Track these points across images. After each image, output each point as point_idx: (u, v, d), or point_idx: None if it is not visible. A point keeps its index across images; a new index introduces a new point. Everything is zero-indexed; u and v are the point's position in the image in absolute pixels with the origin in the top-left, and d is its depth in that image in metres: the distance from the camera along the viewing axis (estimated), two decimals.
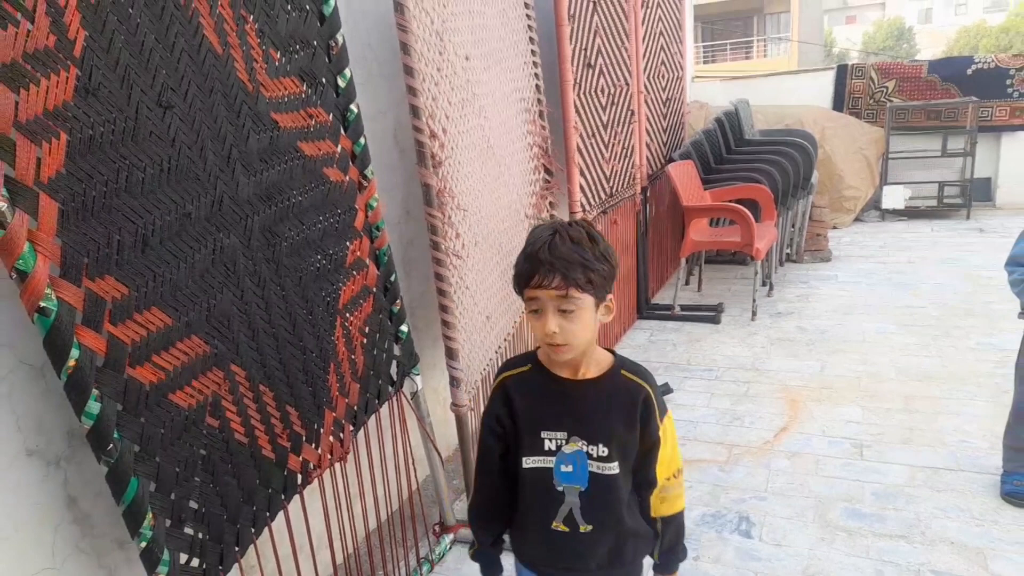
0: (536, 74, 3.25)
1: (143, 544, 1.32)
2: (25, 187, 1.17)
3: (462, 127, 2.53)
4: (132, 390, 1.33)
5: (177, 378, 1.43)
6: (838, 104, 7.72)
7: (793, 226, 5.66)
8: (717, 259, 5.74)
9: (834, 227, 6.84)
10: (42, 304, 1.18)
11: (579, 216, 3.43)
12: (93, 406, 1.25)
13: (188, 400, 1.45)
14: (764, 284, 4.92)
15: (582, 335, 1.21)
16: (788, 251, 5.67)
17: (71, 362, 1.22)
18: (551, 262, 1.16)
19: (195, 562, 1.44)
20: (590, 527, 1.29)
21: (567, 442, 1.27)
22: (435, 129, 2.31)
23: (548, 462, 1.28)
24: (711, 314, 4.48)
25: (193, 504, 1.45)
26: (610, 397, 1.27)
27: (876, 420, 3.11)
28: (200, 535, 1.45)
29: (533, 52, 3.22)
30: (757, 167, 5.01)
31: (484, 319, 2.66)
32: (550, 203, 3.33)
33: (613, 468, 1.26)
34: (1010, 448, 2.49)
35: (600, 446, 1.26)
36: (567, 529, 1.29)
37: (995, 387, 3.30)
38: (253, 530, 1.59)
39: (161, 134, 1.42)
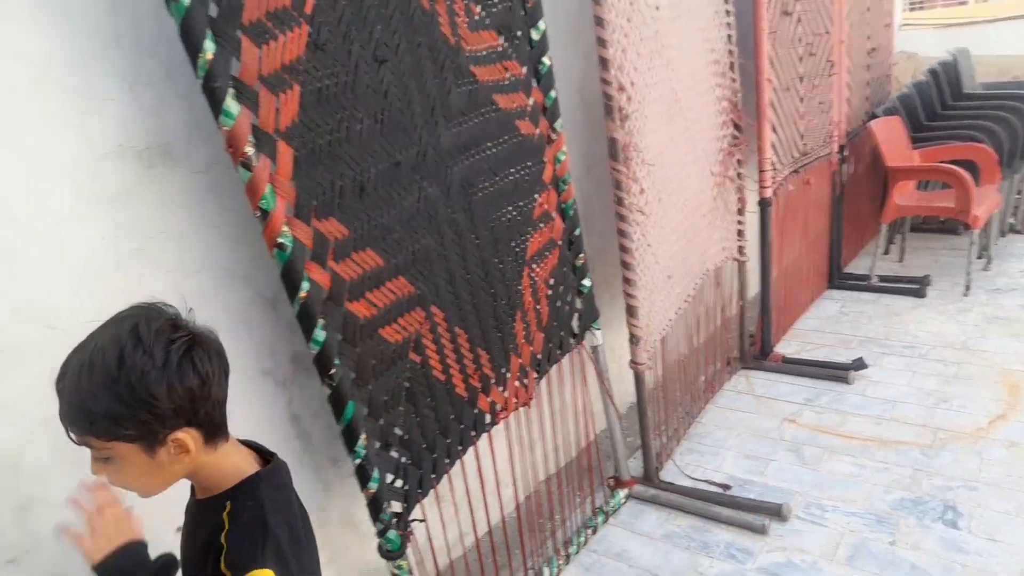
0: (728, 23, 3.09)
1: (357, 461, 1.46)
2: (267, 134, 1.31)
3: (649, 80, 2.47)
4: (350, 322, 1.46)
5: (386, 314, 1.55)
6: None
7: (1020, 193, 4.97)
8: (924, 227, 5.18)
9: None
10: (280, 240, 1.33)
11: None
12: (319, 334, 1.39)
13: (395, 335, 1.57)
14: (980, 256, 4.38)
15: (137, 485, 0.94)
16: (1012, 220, 4.99)
17: (302, 293, 1.36)
18: (67, 404, 0.88)
19: (398, 483, 1.57)
20: None
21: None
22: (623, 82, 2.27)
23: None
24: (915, 287, 4.07)
25: (398, 431, 1.57)
26: (201, 525, 1.00)
27: None
28: (403, 459, 1.58)
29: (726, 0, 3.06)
30: (978, 124, 4.43)
31: (665, 278, 2.61)
32: (738, 160, 3.18)
33: None
34: None
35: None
36: None
37: None
38: (447, 460, 1.70)
39: (376, 87, 1.52)
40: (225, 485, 0.98)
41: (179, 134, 1.42)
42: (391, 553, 1.54)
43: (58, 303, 1.26)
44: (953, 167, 3.93)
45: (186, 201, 1.44)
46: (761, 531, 2.23)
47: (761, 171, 3.29)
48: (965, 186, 3.83)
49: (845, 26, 4.05)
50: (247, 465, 1.01)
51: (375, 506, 1.50)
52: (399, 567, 1.56)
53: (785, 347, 3.52)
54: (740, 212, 3.25)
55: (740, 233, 3.27)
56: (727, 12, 3.07)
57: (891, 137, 4.21)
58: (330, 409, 1.44)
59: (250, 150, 1.28)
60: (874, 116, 4.46)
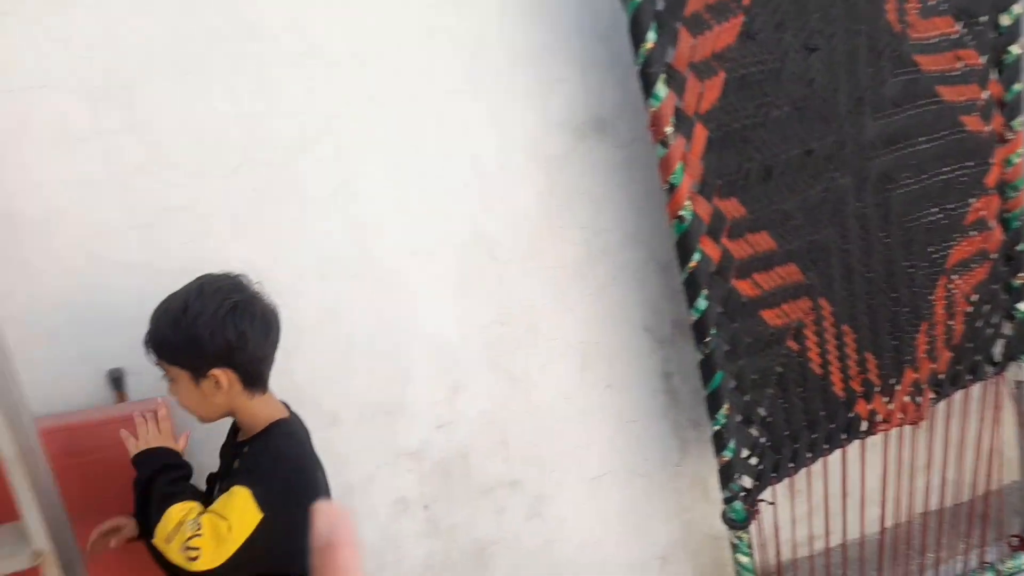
0: None
1: (716, 428, 1.56)
2: (687, 116, 1.46)
3: None
4: (733, 298, 1.55)
5: (770, 298, 1.59)
6: None
7: None
8: None
9: None
10: (681, 212, 1.48)
11: None
12: (701, 303, 1.51)
13: (775, 320, 1.60)
14: None
15: (189, 405, 1.17)
16: None
17: (692, 263, 1.50)
18: (149, 334, 1.14)
19: (753, 460, 1.63)
20: None
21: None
22: None
23: None
24: None
25: (762, 411, 1.62)
26: (240, 460, 1.18)
27: None
28: (762, 439, 1.63)
29: None
30: None
31: None
32: None
33: None
34: None
35: None
36: None
37: None
38: (809, 455, 1.69)
39: (801, 75, 1.54)
40: (256, 429, 1.18)
41: (611, 112, 1.66)
42: (735, 523, 1.61)
43: (500, 238, 1.62)
44: None
45: (606, 169, 1.68)
46: None
47: None
48: None
49: None
50: (278, 416, 1.20)
51: (726, 474, 1.58)
52: (740, 538, 1.62)
53: None
54: None
55: None
56: None
57: None
58: (699, 374, 1.56)
59: (669, 130, 1.44)
60: None
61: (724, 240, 1.53)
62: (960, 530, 2.14)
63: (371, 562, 1.63)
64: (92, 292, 1.34)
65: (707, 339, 1.53)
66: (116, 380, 1.37)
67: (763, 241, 1.57)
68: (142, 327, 1.13)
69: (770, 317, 1.60)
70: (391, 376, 1.58)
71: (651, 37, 1.40)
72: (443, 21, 1.52)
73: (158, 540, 1.08)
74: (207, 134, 1.37)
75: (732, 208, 1.53)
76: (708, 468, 1.86)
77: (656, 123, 1.45)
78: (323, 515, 0.26)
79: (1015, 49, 1.77)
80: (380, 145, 1.50)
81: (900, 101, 1.67)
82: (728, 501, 1.61)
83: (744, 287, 1.57)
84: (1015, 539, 2.12)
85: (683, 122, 1.46)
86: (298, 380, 1.48)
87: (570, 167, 1.65)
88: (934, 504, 2.06)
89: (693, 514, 1.93)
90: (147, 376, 1.23)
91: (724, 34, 1.47)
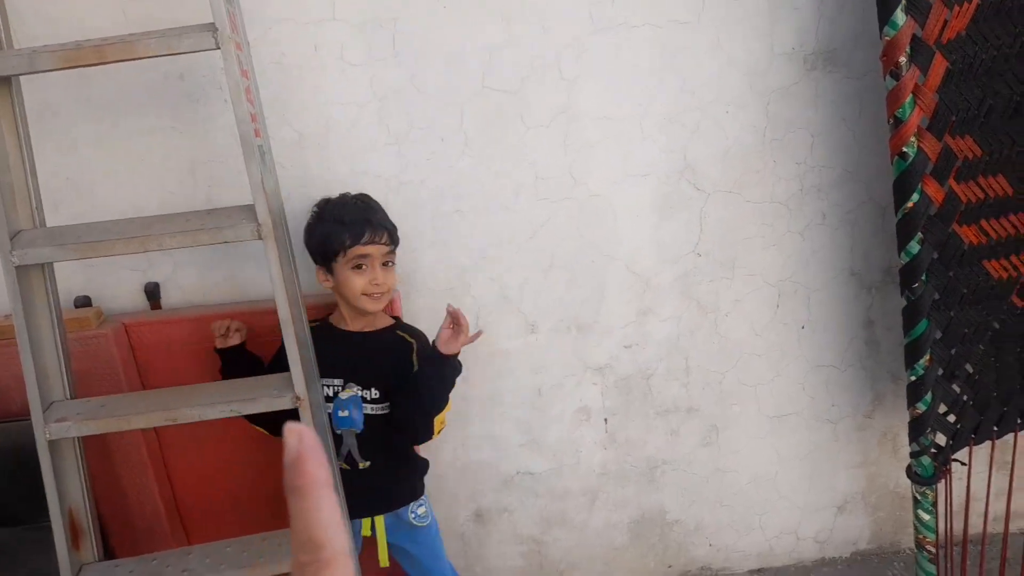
0: None
1: (912, 378, 1.50)
2: (926, 45, 1.36)
3: None
4: (952, 244, 1.45)
5: (997, 247, 1.47)
6: None
7: None
8: None
9: None
10: (904, 149, 1.39)
11: None
12: (914, 247, 1.43)
13: (1001, 272, 1.48)
14: None
15: (394, 284, 1.45)
16: None
17: (909, 204, 1.42)
18: (378, 222, 1.40)
19: (951, 418, 1.54)
20: (368, 463, 1.45)
21: (343, 388, 1.42)
22: None
23: (327, 408, 1.40)
24: None
25: (969, 367, 1.52)
26: (384, 348, 1.47)
27: None
28: (964, 396, 1.53)
29: None
30: None
31: None
32: None
33: (384, 408, 1.45)
34: None
35: (373, 390, 1.44)
36: (348, 467, 1.45)
37: None
38: (1020, 420, 1.57)
39: None
40: (380, 324, 1.47)
41: (846, 42, 1.57)
42: (920, 478, 1.55)
43: (708, 169, 1.63)
44: None
45: (832, 102, 1.60)
46: None
47: None
48: None
49: None
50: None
51: (917, 427, 1.52)
52: (924, 495, 1.57)
53: None
54: None
55: None
56: None
57: None
58: (903, 322, 1.49)
59: (903, 59, 1.35)
60: None
61: (951, 182, 1.43)
62: None
63: (552, 462, 1.80)
64: None
65: (915, 284, 1.45)
66: None
67: (999, 185, 1.44)
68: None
69: (995, 268, 1.48)
70: (587, 294, 1.68)
71: None
72: None
73: (441, 416, 1.44)
74: (451, 62, 1.51)
75: (966, 147, 1.42)
76: (900, 423, 1.80)
77: (889, 53, 1.36)
78: (292, 433, 0.28)
79: None
80: (600, 74, 1.56)
81: None
82: (916, 456, 1.55)
83: (968, 233, 1.46)
84: None
85: (920, 51, 1.36)
86: (505, 288, 1.64)
87: (792, 100, 1.60)
88: None
89: (878, 468, 1.87)
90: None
91: None
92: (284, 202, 1.41)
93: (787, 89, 1.59)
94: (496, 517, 1.83)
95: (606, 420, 1.77)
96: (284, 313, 1.23)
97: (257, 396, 1.26)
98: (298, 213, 1.48)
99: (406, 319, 1.56)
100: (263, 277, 1.53)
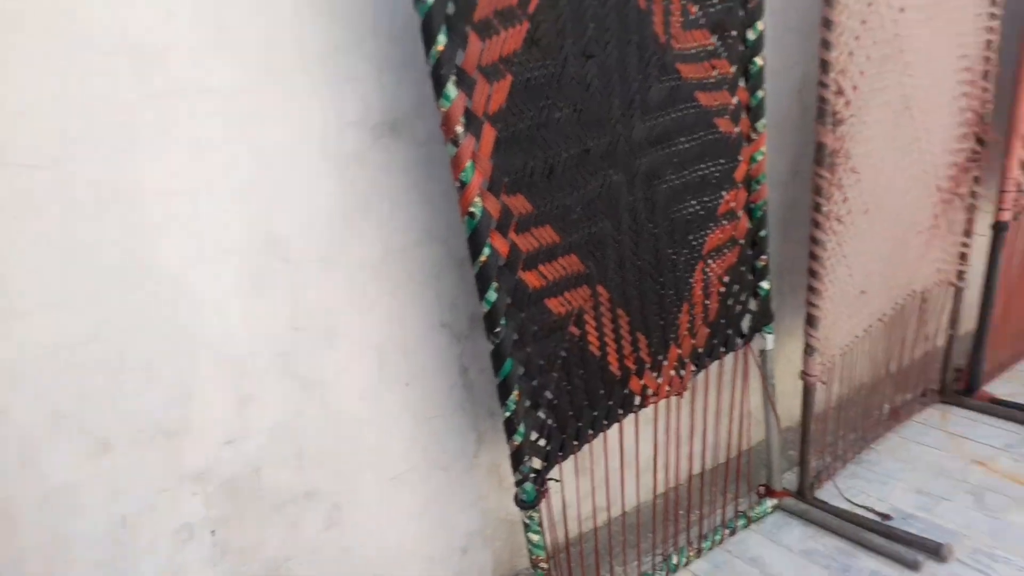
0: (991, 27, 2.77)
1: (507, 414, 1.64)
2: (476, 116, 1.49)
3: (877, 85, 2.32)
4: (520, 289, 1.62)
5: (554, 287, 1.69)
6: None
7: None
8: None
9: None
10: (471, 209, 1.51)
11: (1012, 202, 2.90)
12: (491, 295, 1.56)
13: (559, 307, 1.71)
14: None
15: None
16: None
17: (483, 258, 1.54)
18: None
19: (542, 442, 1.73)
20: None
21: None
22: (844, 85, 2.17)
23: None
24: None
25: (548, 394, 1.73)
26: None
27: None
28: (549, 421, 1.73)
29: (993, 2, 2.74)
30: None
31: (858, 293, 2.48)
32: (975, 177, 2.87)
33: None
34: None
35: None
36: None
37: None
38: (591, 431, 1.83)
39: (580, 80, 1.63)
40: None
41: (407, 112, 1.64)
42: (525, 504, 1.71)
43: (293, 239, 1.55)
44: None
45: (403, 168, 1.67)
46: (912, 566, 2.11)
47: (1002, 192, 2.95)
48: None
49: None
50: None
51: (517, 458, 1.67)
52: (531, 517, 1.72)
53: (998, 388, 3.17)
54: (967, 233, 2.95)
55: (963, 256, 2.98)
56: (991, 15, 2.75)
57: None
58: (491, 364, 1.62)
59: (460, 129, 1.46)
60: None
61: (512, 235, 1.60)
62: (720, 487, 2.46)
63: None
64: None
65: (497, 329, 1.59)
66: None
67: (547, 234, 1.66)
68: None
69: (554, 305, 1.70)
70: (172, 392, 1.46)
71: (442, 40, 1.40)
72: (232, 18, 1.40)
73: None
74: None
75: (519, 204, 1.60)
76: (502, 455, 1.96)
77: (447, 123, 1.46)
78: None
79: (759, 60, 2.01)
80: (161, 147, 1.36)
81: (664, 105, 1.83)
82: (520, 483, 1.70)
83: (531, 278, 1.65)
84: (761, 488, 2.47)
85: (473, 122, 1.49)
86: (58, 404, 1.32)
87: (366, 166, 1.61)
88: (699, 468, 2.34)
89: (489, 502, 2.01)
90: None
91: (511, 39, 1.51)
92: None
93: (362, 156, 1.61)
94: None
95: (213, 532, 1.55)
96: None
97: None
98: None
99: None
100: None
